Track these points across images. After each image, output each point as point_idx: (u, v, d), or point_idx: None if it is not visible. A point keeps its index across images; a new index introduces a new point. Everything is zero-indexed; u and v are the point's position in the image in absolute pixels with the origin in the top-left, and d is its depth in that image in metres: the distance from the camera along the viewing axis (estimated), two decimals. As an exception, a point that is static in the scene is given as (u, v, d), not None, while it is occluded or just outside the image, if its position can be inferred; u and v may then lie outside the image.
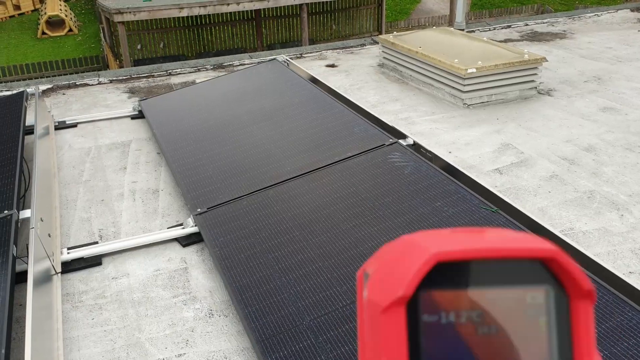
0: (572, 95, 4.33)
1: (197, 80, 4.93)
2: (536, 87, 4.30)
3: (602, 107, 4.09)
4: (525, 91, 4.24)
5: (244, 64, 5.34)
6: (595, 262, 2.18)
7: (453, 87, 4.16)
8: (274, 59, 4.60)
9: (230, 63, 5.43)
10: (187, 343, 2.13)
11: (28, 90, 4.29)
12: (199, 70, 5.32)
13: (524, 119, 3.93)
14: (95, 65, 12.77)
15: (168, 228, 2.77)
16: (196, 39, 12.41)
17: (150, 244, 2.68)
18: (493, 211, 2.45)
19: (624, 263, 2.52)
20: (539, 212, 2.89)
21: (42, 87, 4.89)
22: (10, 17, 16.62)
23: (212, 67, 5.36)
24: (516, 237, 0.36)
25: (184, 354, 2.08)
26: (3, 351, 1.87)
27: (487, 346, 0.35)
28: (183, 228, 2.71)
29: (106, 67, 12.55)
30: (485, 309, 0.35)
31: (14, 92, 4.75)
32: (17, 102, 3.91)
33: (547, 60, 4.32)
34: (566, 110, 4.07)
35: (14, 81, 9.17)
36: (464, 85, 4.04)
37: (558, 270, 0.36)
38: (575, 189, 3.10)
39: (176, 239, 2.69)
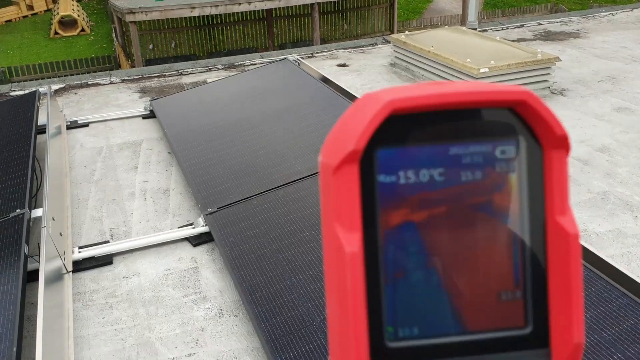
0: (586, 95, 4.29)
1: (208, 80, 4.94)
2: (549, 87, 4.27)
3: (616, 107, 4.04)
4: (538, 91, 4.21)
5: (255, 64, 5.34)
6: (609, 264, 2.16)
7: (465, 87, 4.12)
8: (285, 58, 4.59)
9: (242, 63, 5.43)
10: (197, 343, 2.12)
11: (40, 89, 4.31)
12: (210, 70, 5.32)
13: (537, 119, 3.89)
14: (107, 65, 12.84)
15: (179, 227, 2.77)
16: (207, 38, 12.45)
17: (160, 243, 2.68)
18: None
19: (638, 265, 2.49)
20: (552, 213, 2.86)
21: (55, 87, 4.92)
22: (24, 17, 16.76)
23: (223, 67, 5.36)
24: (483, 84, 0.32)
25: (194, 353, 2.08)
26: (15, 349, 1.88)
27: (452, 205, 0.32)
28: (193, 227, 2.71)
29: (118, 66, 12.62)
30: (449, 166, 0.32)
31: (27, 91, 4.78)
32: (30, 102, 3.93)
33: (560, 60, 4.28)
34: (580, 110, 4.03)
35: (26, 81, 9.25)
36: (476, 85, 4.01)
37: (529, 115, 0.32)
38: (588, 190, 3.06)
39: (187, 239, 2.69)
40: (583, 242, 2.31)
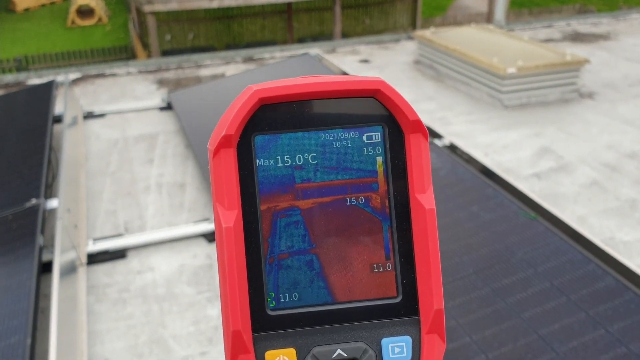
0: (616, 99, 4.17)
1: (227, 73, 4.87)
2: (578, 90, 4.15)
3: (645, 112, 3.92)
4: (566, 94, 4.10)
5: (275, 57, 5.26)
6: (637, 274, 2.07)
7: (491, 87, 4.03)
8: (306, 53, 4.51)
9: (261, 56, 5.36)
10: (210, 341, 2.06)
11: (58, 79, 4.27)
12: (228, 63, 5.26)
13: (565, 123, 3.78)
14: (124, 55, 12.83)
15: (194, 222, 2.71)
16: (226, 30, 12.38)
17: (175, 238, 2.62)
18: (532, 218, 2.34)
19: (671, 278, 2.39)
20: (578, 220, 2.77)
21: (72, 77, 4.88)
22: (42, 5, 16.81)
23: (242, 60, 5.30)
24: (347, 76, 0.35)
25: (207, 352, 2.02)
26: (29, 341, 1.84)
27: (325, 187, 0.35)
28: (209, 223, 2.65)
29: (134, 57, 12.60)
30: (322, 151, 0.35)
31: (44, 80, 4.75)
32: (47, 91, 3.89)
33: (589, 62, 4.16)
34: (609, 114, 3.92)
35: (43, 69, 9.24)
36: (503, 85, 3.91)
37: (387, 103, 0.35)
38: (616, 197, 2.96)
39: (202, 235, 2.63)
40: (610, 250, 2.22)
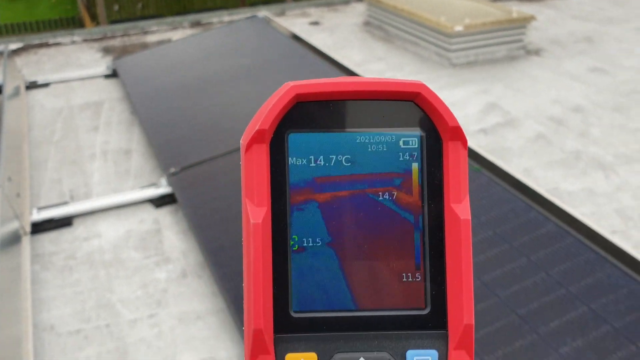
0: (561, 55, 4.23)
1: (174, 39, 4.76)
2: (524, 47, 4.20)
3: (591, 68, 4.00)
4: (513, 51, 4.14)
5: (223, 22, 5.16)
6: (580, 222, 2.13)
7: (439, 46, 4.04)
8: (254, 15, 4.44)
9: (209, 21, 5.26)
10: (159, 304, 2.05)
11: (-3, 48, 4.11)
12: (175, 28, 5.14)
13: (511, 79, 3.83)
14: (71, 27, 12.41)
15: (140, 188, 2.67)
16: (177, -1, 12.08)
17: (122, 204, 2.58)
18: (475, 170, 2.37)
19: (608, 223, 2.47)
20: (524, 172, 2.82)
21: (13, 46, 4.70)
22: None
23: (189, 25, 5.18)
24: (387, 79, 0.35)
25: (156, 314, 2.01)
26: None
27: (358, 191, 0.35)
28: (156, 188, 2.61)
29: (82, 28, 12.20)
30: (356, 153, 0.34)
31: (-16, 50, 4.57)
32: (-15, 60, 3.74)
33: (536, 19, 4.21)
34: (555, 70, 3.98)
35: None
36: (451, 43, 3.93)
37: (426, 107, 0.34)
38: (561, 150, 3.03)
39: (149, 200, 2.59)
40: (554, 199, 2.28)
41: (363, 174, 0.35)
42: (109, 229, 2.45)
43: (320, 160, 0.34)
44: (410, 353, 0.34)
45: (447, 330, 0.34)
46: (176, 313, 2.01)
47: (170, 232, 2.41)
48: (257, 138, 0.33)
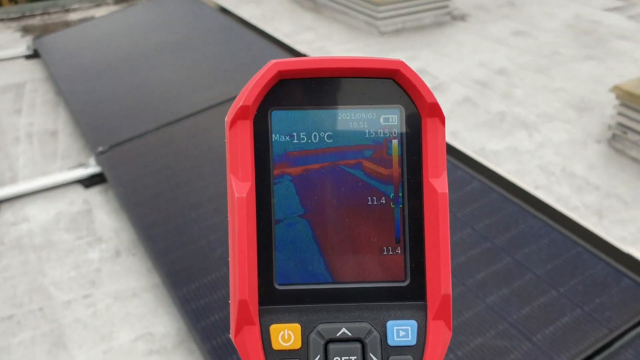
0: (486, 20, 4.34)
1: (97, 16, 4.61)
2: (450, 13, 4.28)
3: (514, 32, 4.11)
4: (439, 17, 4.21)
5: (150, -2, 5.03)
6: (505, 179, 2.22)
7: (368, 15, 4.07)
8: (181, -10, 4.34)
9: (135, -3, 5.11)
10: (93, 284, 2.02)
11: None
12: (99, 5, 4.96)
13: (439, 45, 3.91)
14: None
15: (68, 169, 2.60)
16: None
17: (50, 187, 2.51)
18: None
19: (532, 179, 2.58)
20: (451, 135, 2.90)
21: None
22: None
23: (113, 1, 5.02)
24: (367, 57, 0.35)
25: (91, 294, 1.98)
26: None
27: (335, 163, 0.35)
28: (85, 169, 2.55)
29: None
30: (338, 129, 0.35)
31: None
32: None
33: (459, -15, 4.28)
34: (479, 35, 4.08)
35: None
36: (379, 12, 3.96)
37: (405, 85, 0.35)
38: (487, 112, 3.12)
39: (78, 181, 2.53)
40: (480, 159, 2.36)
41: (343, 147, 0.35)
42: (38, 213, 2.39)
43: (303, 137, 0.35)
44: (390, 323, 0.35)
45: (425, 301, 0.35)
46: (111, 292, 1.99)
47: (102, 212, 2.37)
48: (240, 115, 0.34)
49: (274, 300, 0.35)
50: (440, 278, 0.35)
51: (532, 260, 1.85)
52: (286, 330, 0.35)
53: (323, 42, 3.98)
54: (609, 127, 2.85)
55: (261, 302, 0.35)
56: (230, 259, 0.35)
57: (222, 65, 3.22)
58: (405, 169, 0.36)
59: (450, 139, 2.75)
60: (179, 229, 2.11)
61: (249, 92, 0.34)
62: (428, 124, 0.35)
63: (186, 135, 2.63)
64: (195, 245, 2.01)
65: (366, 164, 0.36)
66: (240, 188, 0.34)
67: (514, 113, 3.10)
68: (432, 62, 3.67)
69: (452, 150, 2.42)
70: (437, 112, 0.36)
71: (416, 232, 0.36)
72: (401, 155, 0.36)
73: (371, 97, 0.35)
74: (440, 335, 0.35)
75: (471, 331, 1.69)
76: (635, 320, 1.62)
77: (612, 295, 1.69)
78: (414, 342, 0.35)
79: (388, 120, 0.36)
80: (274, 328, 0.35)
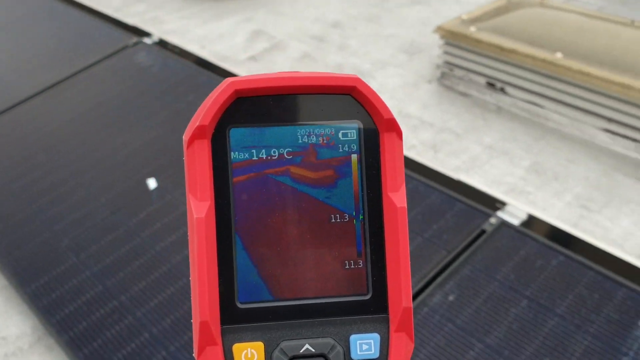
0: (316, -25, 4.40)
1: None
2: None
3: (344, -16, 4.22)
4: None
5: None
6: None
7: (197, -20, 3.98)
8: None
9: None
10: None
11: None
12: None
13: (273, 4, 3.92)
14: None
15: None
16: None
17: None
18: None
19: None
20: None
21: None
22: None
23: None
24: (324, 73, 0.36)
25: None
26: None
27: (300, 180, 0.35)
28: None
29: None
30: (296, 146, 0.35)
31: None
32: None
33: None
34: (311, -10, 4.14)
35: None
36: (208, -24, 3.88)
37: (362, 100, 0.36)
38: (325, 65, 3.21)
39: None
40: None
41: (306, 167, 0.35)
42: None
43: (262, 154, 0.35)
44: (353, 337, 0.35)
45: (387, 314, 0.36)
46: (-49, 302, 1.85)
47: None
48: (198, 134, 0.34)
49: (236, 319, 0.35)
50: (401, 291, 0.36)
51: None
52: (249, 349, 0.34)
53: (155, 13, 3.85)
54: (437, 66, 3.05)
55: (223, 322, 0.34)
56: (191, 279, 0.34)
57: (46, 46, 3.02)
58: (365, 183, 0.36)
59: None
60: (20, 223, 2.00)
61: (205, 111, 0.34)
62: (386, 139, 0.36)
63: (16, 125, 2.47)
64: (41, 238, 1.92)
65: (326, 178, 0.36)
66: (199, 208, 0.34)
67: (350, 63, 3.22)
68: (268, 22, 3.68)
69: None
70: (394, 127, 0.36)
71: (377, 245, 0.36)
72: (360, 170, 0.36)
73: (329, 113, 0.36)
74: (402, 347, 0.35)
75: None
76: (469, 239, 1.79)
77: (448, 220, 1.85)
78: (377, 355, 0.35)
79: (347, 135, 0.36)
80: (236, 347, 0.34)
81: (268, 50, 3.35)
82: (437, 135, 2.65)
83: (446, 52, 2.96)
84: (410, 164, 2.11)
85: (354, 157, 0.36)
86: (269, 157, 0.35)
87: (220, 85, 0.34)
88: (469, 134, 2.65)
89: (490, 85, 2.85)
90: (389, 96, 2.93)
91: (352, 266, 0.36)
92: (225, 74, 2.68)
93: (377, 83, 3.03)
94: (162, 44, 2.87)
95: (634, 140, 2.50)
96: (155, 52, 2.77)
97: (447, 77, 3.00)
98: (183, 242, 1.81)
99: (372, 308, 0.36)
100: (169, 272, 1.75)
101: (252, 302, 0.35)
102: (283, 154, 0.35)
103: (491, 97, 2.85)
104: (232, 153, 0.35)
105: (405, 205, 0.36)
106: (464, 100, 2.89)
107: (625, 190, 2.28)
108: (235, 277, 0.35)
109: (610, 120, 2.54)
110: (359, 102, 0.36)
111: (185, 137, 0.34)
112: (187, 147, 0.34)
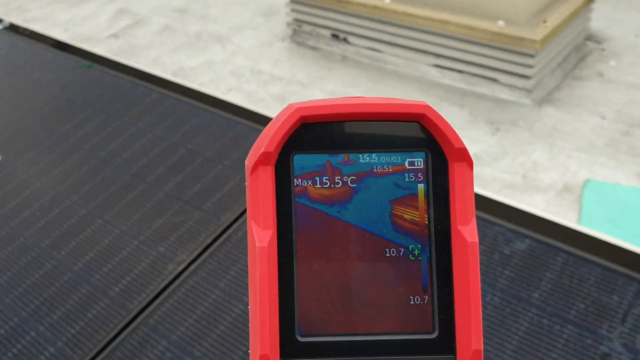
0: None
1: None
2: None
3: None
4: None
5: None
6: (193, 90, 2.44)
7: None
8: None
9: None
10: None
11: None
12: None
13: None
14: None
15: None
16: None
17: None
18: (87, 67, 2.54)
19: (225, 84, 2.86)
20: (152, 62, 3.07)
21: None
22: None
23: None
24: (392, 99, 0.35)
25: None
26: None
27: (360, 211, 0.35)
28: None
29: None
30: (361, 174, 0.34)
31: None
32: None
33: None
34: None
35: None
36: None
37: (432, 129, 0.35)
38: (186, 35, 3.33)
39: None
40: (177, 80, 2.55)
41: (369, 196, 0.34)
42: None
43: (326, 181, 0.34)
44: None
45: (455, 355, 0.34)
46: None
47: None
48: (262, 160, 0.33)
49: (295, 353, 0.34)
50: (471, 332, 0.34)
51: (202, 146, 2.11)
52: None
53: (21, 2, 3.87)
54: (288, 24, 3.21)
55: (282, 355, 0.33)
56: (250, 310, 0.34)
57: None
58: (432, 215, 0.35)
59: (152, 64, 2.91)
60: None
61: (271, 137, 0.33)
62: (456, 169, 0.35)
63: None
64: None
65: (392, 208, 0.35)
66: (261, 236, 0.33)
67: (210, 31, 3.34)
68: (132, 0, 3.76)
69: (149, 77, 2.59)
70: (465, 157, 0.35)
71: (445, 281, 0.34)
72: (427, 201, 0.35)
73: (396, 141, 0.35)
74: None
75: (152, 216, 1.92)
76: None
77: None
78: None
79: (414, 164, 0.35)
80: None
81: (131, 26, 3.44)
82: (286, 88, 2.82)
83: (294, 10, 3.12)
84: (257, 117, 2.26)
85: (421, 186, 0.34)
86: (333, 185, 0.34)
87: (285, 110, 0.33)
88: (314, 83, 2.83)
89: (335, 36, 3.03)
90: (244, 56, 3.07)
91: (418, 302, 0.34)
92: (82, 52, 2.77)
93: (234, 46, 3.17)
94: (13, 28, 2.93)
95: (460, 71, 2.73)
96: (3, 36, 2.83)
97: (298, 33, 3.16)
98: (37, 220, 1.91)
99: (439, 348, 0.34)
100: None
101: (313, 335, 0.34)
102: (347, 181, 0.34)
103: (337, 47, 3.03)
104: (295, 180, 0.34)
105: (477, 240, 0.34)
106: (313, 53, 3.06)
107: (449, 115, 2.50)
108: (296, 310, 0.34)
109: (438, 55, 2.76)
110: (427, 130, 0.35)
111: (249, 163, 0.33)
112: (251, 173, 0.33)
